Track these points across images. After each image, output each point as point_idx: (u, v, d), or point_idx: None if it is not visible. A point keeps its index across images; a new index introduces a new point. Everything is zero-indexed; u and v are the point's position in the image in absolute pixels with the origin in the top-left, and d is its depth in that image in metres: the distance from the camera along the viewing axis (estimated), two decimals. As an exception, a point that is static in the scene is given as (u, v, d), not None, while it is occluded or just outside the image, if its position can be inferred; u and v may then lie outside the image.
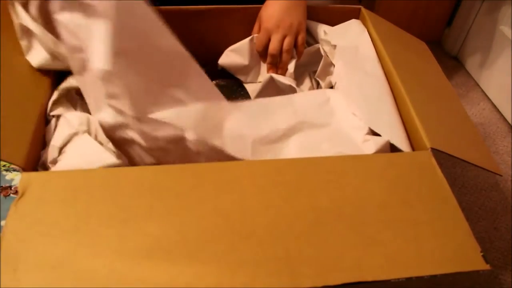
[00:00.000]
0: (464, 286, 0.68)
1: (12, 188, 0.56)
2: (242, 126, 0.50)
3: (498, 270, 0.71)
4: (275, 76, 0.62)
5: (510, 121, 1.00)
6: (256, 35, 0.64)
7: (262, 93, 0.65)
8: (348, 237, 0.37)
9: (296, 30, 0.62)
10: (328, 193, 0.40)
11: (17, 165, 0.40)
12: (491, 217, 0.79)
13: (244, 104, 0.53)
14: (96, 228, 0.35)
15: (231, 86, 0.67)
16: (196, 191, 0.39)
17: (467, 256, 0.37)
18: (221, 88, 0.67)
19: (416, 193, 0.41)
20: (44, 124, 0.48)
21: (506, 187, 0.85)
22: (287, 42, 0.62)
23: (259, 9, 0.64)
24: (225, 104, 0.53)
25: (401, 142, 0.48)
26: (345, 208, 0.39)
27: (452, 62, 1.21)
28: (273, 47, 0.62)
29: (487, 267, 0.36)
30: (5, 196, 0.55)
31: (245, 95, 0.66)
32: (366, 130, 0.51)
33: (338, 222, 0.38)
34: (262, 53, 0.65)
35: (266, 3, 0.63)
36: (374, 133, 0.51)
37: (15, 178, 0.57)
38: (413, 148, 0.49)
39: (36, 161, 0.45)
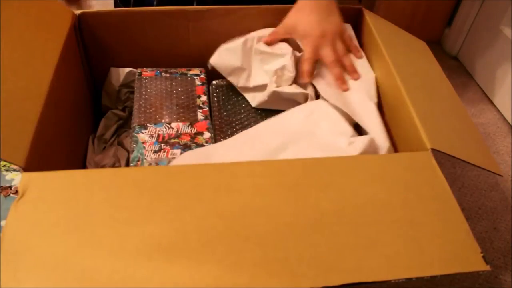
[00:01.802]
0: (464, 286, 0.68)
1: (12, 188, 0.56)
2: (231, 154, 0.52)
3: (498, 270, 0.71)
4: (277, 89, 0.60)
5: (510, 121, 1.00)
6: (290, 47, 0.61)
7: (266, 103, 0.63)
8: (348, 237, 0.37)
9: (340, 31, 0.60)
10: (328, 193, 0.40)
11: (17, 165, 0.40)
12: (491, 217, 0.79)
13: (230, 140, 0.55)
14: (96, 228, 0.36)
15: (231, 86, 0.67)
16: (196, 191, 0.39)
17: (467, 257, 0.37)
18: (221, 88, 0.67)
19: (416, 193, 0.41)
20: (44, 124, 0.48)
21: (506, 187, 0.85)
22: (340, 48, 0.59)
23: (259, 9, 0.64)
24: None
25: (377, 133, 0.52)
26: (345, 208, 0.39)
27: (452, 62, 1.21)
28: (330, 60, 0.58)
29: (487, 267, 0.36)
30: (5, 196, 0.55)
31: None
32: (351, 133, 0.52)
33: (338, 223, 0.38)
34: (310, 73, 0.59)
35: (295, 14, 0.59)
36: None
37: (15, 178, 0.57)
38: (410, 148, 0.49)
39: (36, 161, 0.45)
